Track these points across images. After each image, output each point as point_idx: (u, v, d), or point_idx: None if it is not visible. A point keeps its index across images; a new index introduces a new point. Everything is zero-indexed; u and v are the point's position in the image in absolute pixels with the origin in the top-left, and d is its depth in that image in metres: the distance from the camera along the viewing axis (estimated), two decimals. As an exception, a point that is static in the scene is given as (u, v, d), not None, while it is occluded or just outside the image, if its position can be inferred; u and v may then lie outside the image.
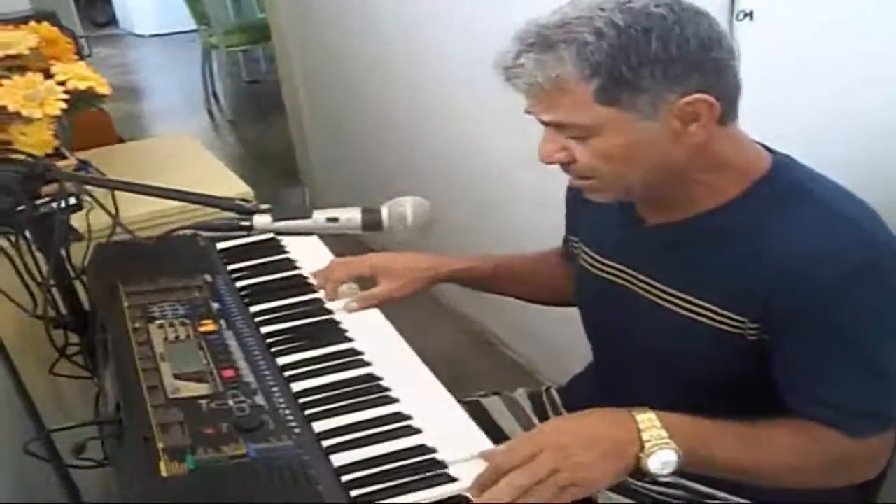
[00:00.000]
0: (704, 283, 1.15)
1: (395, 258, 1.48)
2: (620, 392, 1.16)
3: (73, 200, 1.74)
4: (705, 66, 1.04)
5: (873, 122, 1.53)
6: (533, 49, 1.05)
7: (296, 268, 1.57)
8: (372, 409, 1.15)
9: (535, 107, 1.10)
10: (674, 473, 1.01)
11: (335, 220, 1.24)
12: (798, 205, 1.10)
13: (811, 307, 1.05)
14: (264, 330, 1.34)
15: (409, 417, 1.13)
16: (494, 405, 1.50)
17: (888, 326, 1.06)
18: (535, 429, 1.07)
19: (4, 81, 1.67)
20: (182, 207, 1.59)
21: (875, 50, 1.49)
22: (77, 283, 1.53)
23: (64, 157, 1.86)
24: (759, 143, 1.18)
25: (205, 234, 1.60)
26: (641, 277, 1.23)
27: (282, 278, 1.53)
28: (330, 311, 1.41)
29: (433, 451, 1.06)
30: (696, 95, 1.04)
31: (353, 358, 1.27)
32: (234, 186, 2.00)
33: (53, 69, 1.74)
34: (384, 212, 1.26)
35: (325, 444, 1.07)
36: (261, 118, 6.04)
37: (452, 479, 1.01)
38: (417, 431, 1.10)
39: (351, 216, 1.25)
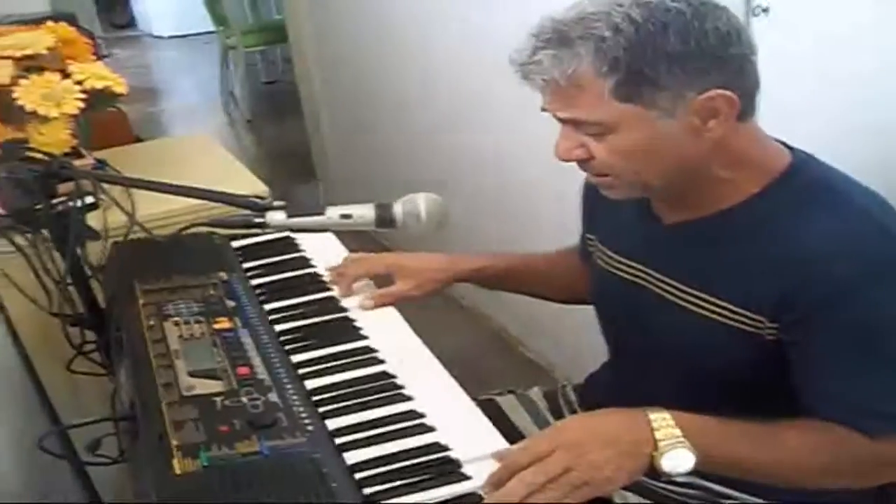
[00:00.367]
0: (721, 281, 1.13)
1: (411, 257, 1.48)
2: (636, 391, 1.15)
3: (90, 199, 1.77)
4: (724, 61, 1.03)
5: (894, 118, 1.51)
6: (549, 45, 1.04)
7: (311, 266, 1.57)
8: (386, 407, 1.14)
9: (552, 104, 1.09)
10: (690, 473, 1.00)
11: (348, 216, 1.24)
12: (817, 202, 1.08)
13: (829, 305, 1.04)
14: (279, 328, 1.34)
15: (422, 415, 1.12)
16: (510, 403, 1.49)
17: None
18: (549, 427, 1.07)
19: (22, 81, 1.68)
20: (199, 205, 1.60)
21: (893, 45, 1.48)
22: (94, 281, 1.54)
23: (81, 157, 1.87)
24: (779, 141, 1.17)
25: (221, 231, 1.60)
26: (657, 276, 1.22)
27: (297, 276, 1.53)
28: (345, 309, 1.41)
29: (447, 449, 1.05)
30: (716, 91, 1.03)
31: (367, 356, 1.27)
32: (250, 185, 2.00)
33: (71, 69, 1.75)
34: (397, 208, 1.26)
35: (339, 441, 1.07)
36: (278, 118, 6.05)
37: (466, 478, 1.01)
38: (431, 429, 1.09)
39: (364, 213, 1.25)
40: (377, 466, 1.02)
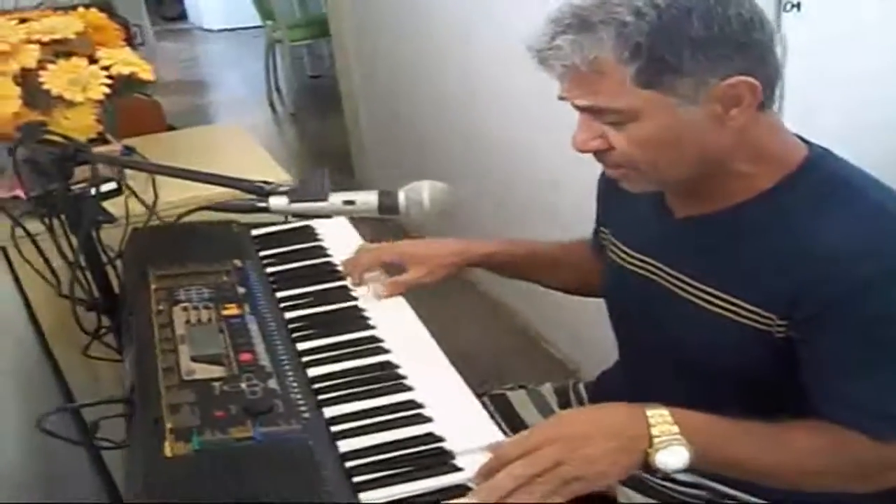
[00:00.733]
0: (732, 277, 1.10)
1: (422, 244, 1.47)
2: (646, 387, 1.12)
3: (113, 185, 1.78)
4: (748, 47, 1.00)
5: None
6: (569, 30, 1.01)
7: (327, 255, 1.57)
8: (385, 397, 1.13)
9: (571, 91, 1.06)
10: (693, 472, 0.97)
11: (351, 202, 1.23)
12: (833, 199, 1.05)
13: (842, 303, 1.00)
14: (288, 315, 1.34)
15: (421, 406, 1.11)
16: (520, 399, 1.48)
17: None
18: (543, 421, 1.05)
19: (49, 65, 1.70)
20: (222, 192, 1.59)
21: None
22: (109, 267, 1.55)
23: (107, 142, 1.89)
24: (796, 135, 1.13)
25: (241, 219, 1.60)
26: (668, 270, 1.20)
27: (311, 265, 1.53)
28: (354, 298, 1.40)
29: (441, 440, 1.04)
30: (738, 78, 1.00)
31: (372, 345, 1.26)
32: (275, 175, 2.00)
33: (98, 54, 1.76)
34: (401, 195, 1.25)
35: (334, 429, 1.06)
36: (321, 113, 6.07)
37: (457, 469, 0.99)
38: (428, 420, 1.08)
39: (368, 199, 1.24)
40: (370, 455, 1.01)
